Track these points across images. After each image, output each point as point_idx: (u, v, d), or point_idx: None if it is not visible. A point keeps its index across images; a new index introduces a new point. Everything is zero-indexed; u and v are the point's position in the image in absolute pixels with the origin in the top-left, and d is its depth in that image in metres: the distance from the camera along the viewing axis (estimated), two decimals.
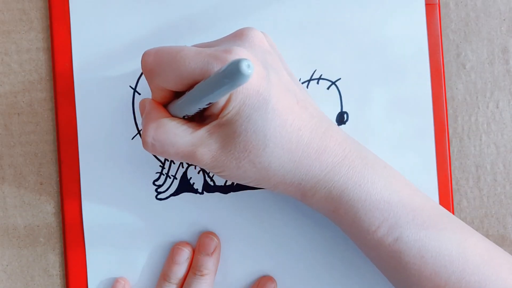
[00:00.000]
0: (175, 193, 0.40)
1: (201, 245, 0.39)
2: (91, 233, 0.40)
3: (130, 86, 0.40)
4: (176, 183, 0.40)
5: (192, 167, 0.40)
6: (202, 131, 0.33)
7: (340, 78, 0.40)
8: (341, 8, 0.40)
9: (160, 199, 0.40)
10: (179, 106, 0.33)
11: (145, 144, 0.34)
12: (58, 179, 0.40)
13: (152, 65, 0.33)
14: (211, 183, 0.40)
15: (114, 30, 0.40)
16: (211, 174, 0.40)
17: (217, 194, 0.40)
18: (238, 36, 0.34)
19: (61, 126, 0.40)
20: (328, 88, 0.40)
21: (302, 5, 0.40)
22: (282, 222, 0.40)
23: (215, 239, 0.39)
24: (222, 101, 0.32)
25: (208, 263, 0.39)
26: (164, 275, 0.39)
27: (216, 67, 0.31)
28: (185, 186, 0.40)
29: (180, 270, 0.39)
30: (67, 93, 0.40)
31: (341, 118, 0.40)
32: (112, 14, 0.40)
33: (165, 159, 0.40)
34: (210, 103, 0.31)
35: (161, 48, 0.33)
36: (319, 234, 0.40)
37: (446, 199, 0.40)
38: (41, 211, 0.40)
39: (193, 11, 0.40)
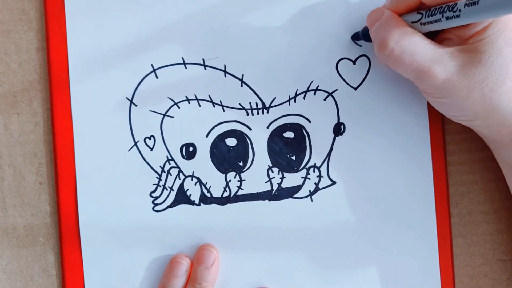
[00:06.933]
0: (172, 205, 0.40)
1: (200, 257, 0.39)
2: (88, 246, 0.40)
3: (127, 98, 0.40)
4: (173, 195, 0.40)
5: (189, 178, 0.40)
6: (446, 50, 0.33)
7: (337, 89, 0.40)
8: (336, 19, 0.40)
9: (157, 211, 0.40)
10: (428, 20, 0.33)
11: (384, 47, 0.34)
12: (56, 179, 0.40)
13: None
14: (208, 195, 0.40)
15: (110, 33, 0.40)
16: (208, 186, 0.40)
17: (214, 205, 0.40)
18: None
19: (58, 139, 0.40)
20: (325, 99, 0.40)
21: (300, 16, 0.40)
22: (279, 233, 0.40)
23: (214, 251, 0.39)
24: (477, 26, 0.32)
25: (208, 276, 0.39)
26: (162, 287, 0.39)
27: None
28: (182, 198, 0.40)
29: (178, 283, 0.39)
30: (63, 104, 0.40)
31: (338, 129, 0.40)
32: (107, 18, 0.40)
33: (162, 171, 0.40)
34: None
35: None
36: (316, 245, 0.40)
37: (444, 206, 0.40)
38: (40, 211, 0.40)
39: (190, 13, 0.40)
